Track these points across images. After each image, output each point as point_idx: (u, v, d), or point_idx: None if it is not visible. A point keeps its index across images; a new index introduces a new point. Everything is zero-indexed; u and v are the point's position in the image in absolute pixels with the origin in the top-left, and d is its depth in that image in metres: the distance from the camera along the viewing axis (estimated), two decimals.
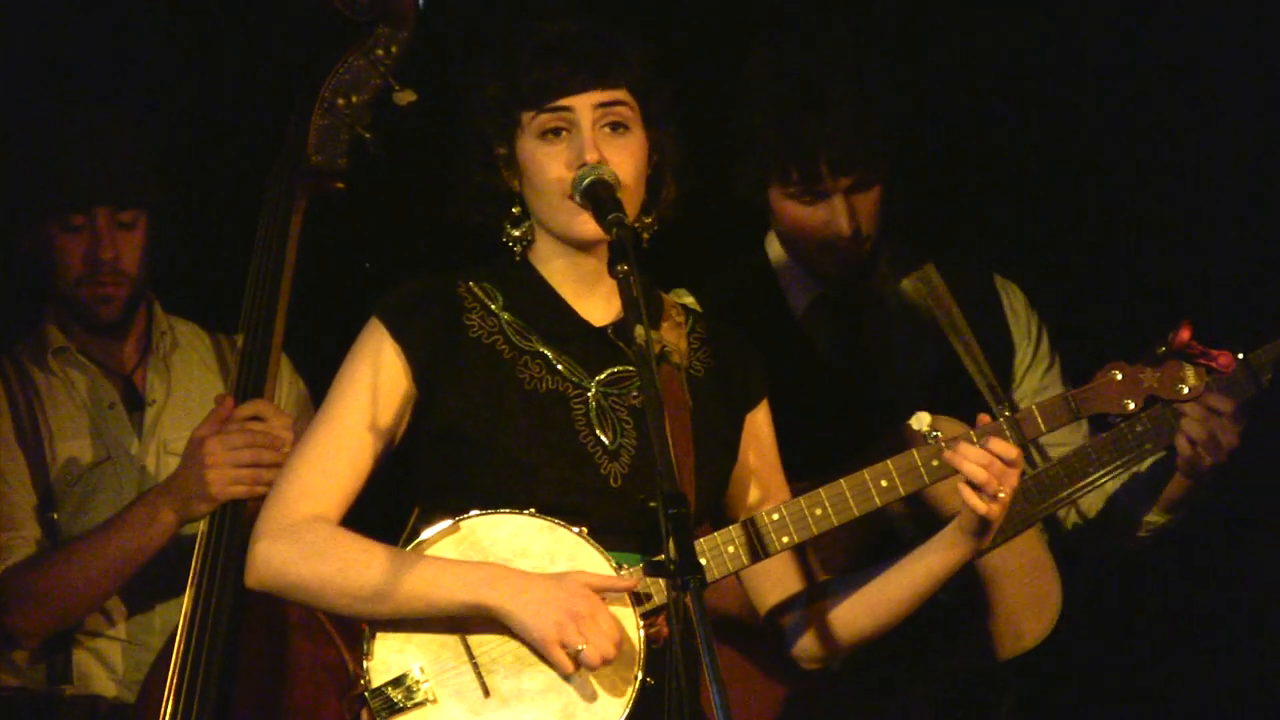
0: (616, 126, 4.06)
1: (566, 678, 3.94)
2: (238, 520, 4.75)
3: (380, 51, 4.93)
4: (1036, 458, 5.02)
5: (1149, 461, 4.94)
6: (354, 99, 4.93)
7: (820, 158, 4.96)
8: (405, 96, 4.91)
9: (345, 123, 4.93)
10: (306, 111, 4.93)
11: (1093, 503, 5.05)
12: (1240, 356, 4.65)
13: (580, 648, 3.89)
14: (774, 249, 5.22)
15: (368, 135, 4.93)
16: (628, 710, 3.94)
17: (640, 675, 3.95)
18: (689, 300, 5.06)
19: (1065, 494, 4.84)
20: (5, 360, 5.18)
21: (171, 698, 4.67)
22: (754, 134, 5.02)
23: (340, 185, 4.97)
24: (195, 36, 5.74)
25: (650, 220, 4.14)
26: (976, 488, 4.03)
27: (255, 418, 4.82)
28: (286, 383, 5.18)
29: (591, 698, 3.95)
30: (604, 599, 3.94)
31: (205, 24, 5.74)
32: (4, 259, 5.21)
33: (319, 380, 4.17)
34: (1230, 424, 4.72)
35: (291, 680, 4.66)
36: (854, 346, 5.16)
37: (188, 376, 5.24)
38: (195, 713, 4.64)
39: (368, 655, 3.97)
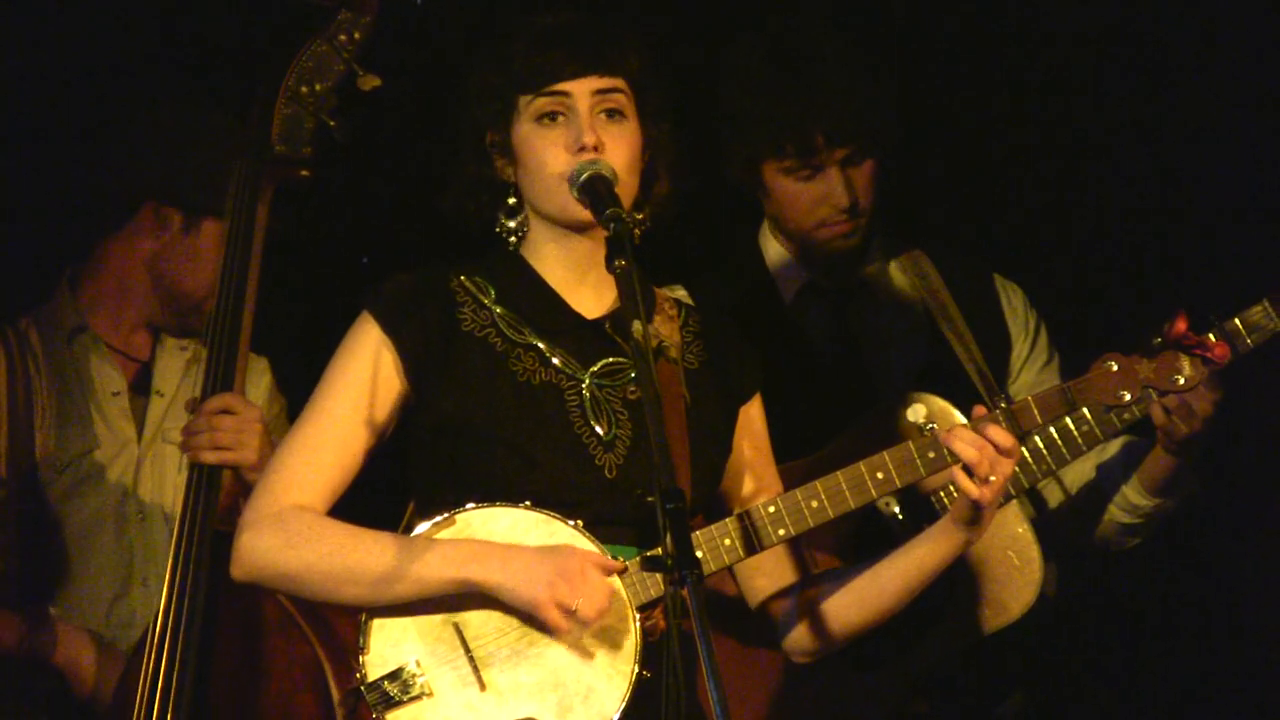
0: (613, 114, 4.06)
1: (561, 667, 3.94)
2: (209, 517, 4.68)
3: (343, 37, 4.87)
4: None
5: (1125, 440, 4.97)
6: (318, 86, 4.88)
7: (815, 127, 4.95)
8: (369, 81, 4.86)
9: (309, 110, 4.87)
10: (270, 100, 4.87)
11: (1076, 478, 5.07)
12: (1213, 321, 4.67)
13: (575, 605, 3.87)
14: (768, 244, 5.20)
15: (332, 123, 4.87)
16: (624, 704, 3.93)
17: (637, 669, 3.94)
18: (681, 294, 5.04)
19: (1047, 467, 4.84)
20: (11, 332, 5.12)
21: (146, 695, 4.61)
22: (745, 112, 5.01)
23: (305, 174, 4.91)
24: (157, 23, 5.67)
25: (643, 216, 4.12)
26: (969, 472, 4.03)
27: (225, 411, 4.75)
28: (265, 398, 5.15)
29: (588, 691, 3.94)
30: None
31: (166, 11, 5.68)
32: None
33: (306, 380, 4.12)
34: (1204, 390, 4.72)
35: (265, 677, 4.61)
36: (844, 334, 5.15)
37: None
38: (170, 710, 4.58)
39: (364, 649, 3.95)
